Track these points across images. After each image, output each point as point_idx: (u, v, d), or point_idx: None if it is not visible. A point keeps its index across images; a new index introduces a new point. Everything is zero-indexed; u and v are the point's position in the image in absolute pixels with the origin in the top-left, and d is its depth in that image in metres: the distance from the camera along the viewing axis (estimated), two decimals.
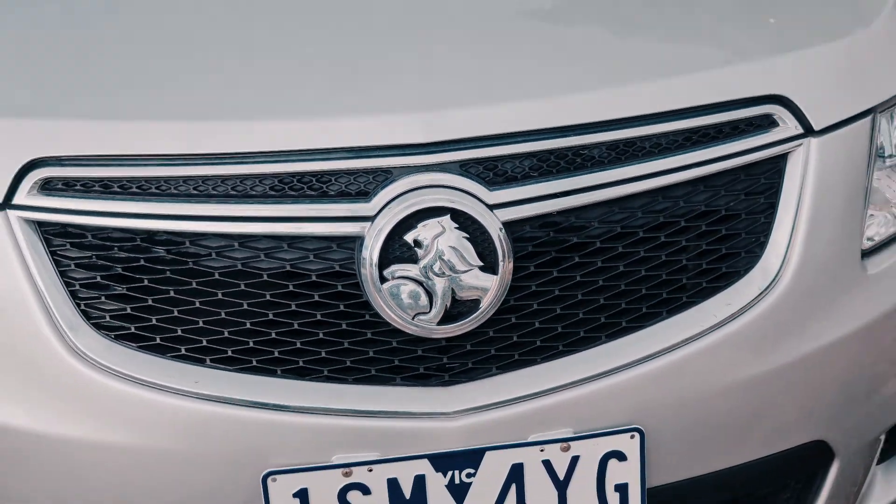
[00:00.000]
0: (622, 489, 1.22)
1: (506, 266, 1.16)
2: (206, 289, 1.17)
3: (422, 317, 1.16)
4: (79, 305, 1.18)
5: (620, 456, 1.21)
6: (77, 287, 1.18)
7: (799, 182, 1.26)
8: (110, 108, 1.23)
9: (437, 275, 1.15)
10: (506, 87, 1.22)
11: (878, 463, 1.49)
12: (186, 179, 1.17)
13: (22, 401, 1.19)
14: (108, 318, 1.18)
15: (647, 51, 1.33)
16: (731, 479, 1.29)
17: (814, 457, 1.33)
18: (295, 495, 1.17)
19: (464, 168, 1.17)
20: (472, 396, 1.19)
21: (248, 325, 1.18)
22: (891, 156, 1.39)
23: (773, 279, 1.24)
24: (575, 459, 1.20)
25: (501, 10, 1.42)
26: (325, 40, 1.31)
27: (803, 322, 1.26)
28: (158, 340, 1.18)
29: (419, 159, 1.16)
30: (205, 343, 1.18)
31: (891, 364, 1.34)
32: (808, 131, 1.26)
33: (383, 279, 1.15)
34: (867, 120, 1.30)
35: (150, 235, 1.17)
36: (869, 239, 1.33)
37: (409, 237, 1.14)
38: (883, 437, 1.41)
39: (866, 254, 1.32)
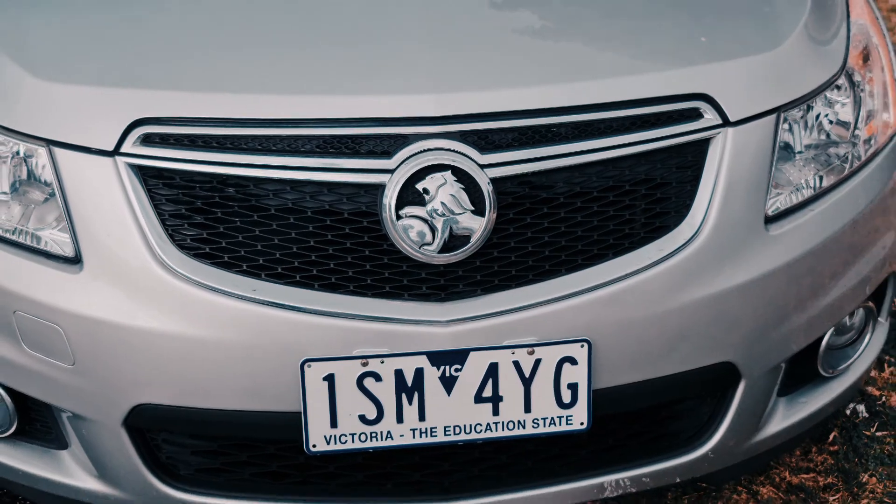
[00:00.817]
0: (573, 387, 1.60)
1: (491, 212, 1.54)
2: (263, 221, 1.55)
3: (426, 247, 1.54)
4: (167, 230, 1.56)
5: (572, 361, 1.58)
6: (166, 216, 1.56)
7: (717, 161, 1.64)
8: (196, 80, 1.61)
9: (439, 215, 1.53)
10: (495, 77, 1.61)
11: (781, 395, 1.86)
12: (253, 138, 1.55)
13: (121, 302, 1.56)
14: (188, 241, 1.56)
15: (607, 54, 1.72)
16: (658, 388, 1.66)
17: (724, 375, 1.70)
18: (324, 379, 1.55)
19: (463, 137, 1.55)
20: (462, 310, 1.56)
21: (294, 250, 1.55)
22: (800, 152, 1.78)
23: (695, 233, 1.62)
24: (538, 362, 1.58)
25: (494, 17, 1.81)
26: (361, 30, 1.70)
27: (717, 267, 1.63)
28: (226, 258, 1.56)
29: (429, 129, 1.55)
30: (261, 262, 1.55)
31: (788, 306, 1.71)
32: (726, 122, 1.64)
33: (398, 217, 1.53)
34: (773, 117, 1.68)
35: (223, 179, 1.55)
36: (774, 210, 1.71)
37: (419, 186, 1.52)
38: (783, 366, 1.79)
39: (770, 220, 1.69)
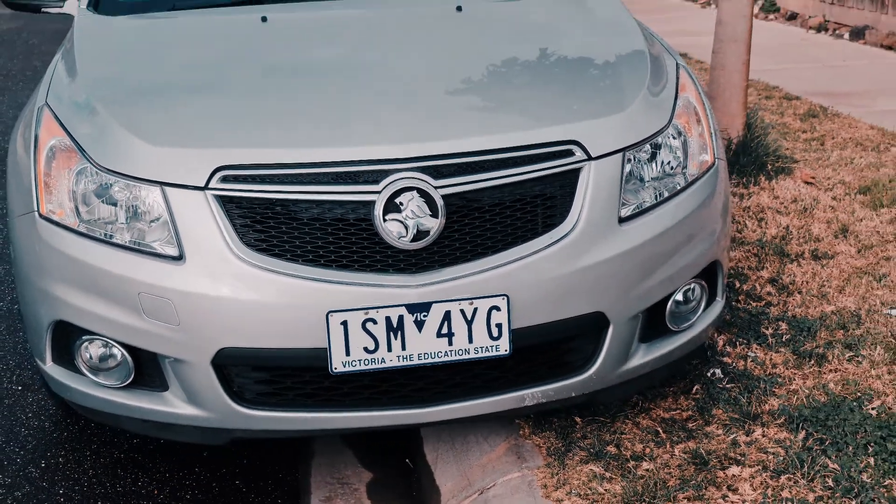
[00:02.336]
0: (499, 326, 2.51)
1: (442, 216, 2.47)
2: (300, 226, 2.47)
3: (402, 239, 2.46)
4: (238, 234, 2.48)
5: (497, 308, 2.50)
6: (238, 226, 2.48)
7: (585, 182, 2.59)
8: (253, 140, 2.56)
9: (410, 219, 2.46)
10: (443, 132, 2.56)
11: (642, 341, 2.79)
12: (291, 175, 2.48)
13: (210, 281, 2.47)
14: (252, 241, 2.48)
15: (515, 115, 2.71)
16: (554, 328, 2.58)
17: (597, 321, 2.62)
18: (341, 324, 2.45)
19: (423, 170, 2.49)
20: (426, 278, 2.48)
21: (320, 243, 2.47)
22: (643, 179, 2.73)
23: (572, 228, 2.56)
24: (476, 309, 2.49)
25: (444, 91, 2.78)
26: (360, 102, 2.67)
27: (587, 249, 2.57)
28: (276, 251, 2.48)
29: (402, 165, 2.49)
30: (299, 252, 2.47)
31: (637, 275, 2.65)
32: (589, 158, 2.61)
33: (384, 221, 2.46)
34: (620, 154, 2.64)
35: (273, 201, 2.47)
36: (625, 214, 2.66)
37: (396, 201, 2.46)
38: (640, 317, 2.71)
39: (622, 220, 2.64)
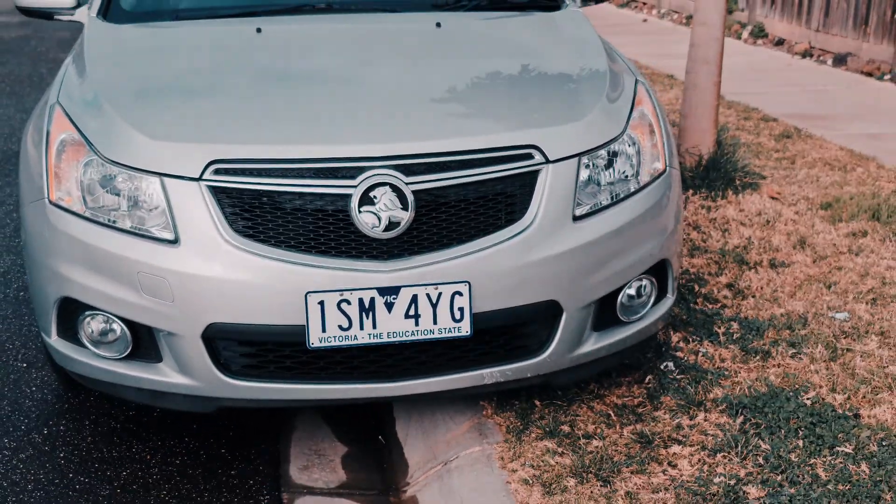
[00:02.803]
0: (461, 309, 2.78)
1: (412, 210, 2.74)
2: (283, 215, 2.75)
3: (375, 229, 2.74)
4: (228, 221, 2.75)
5: (460, 293, 2.77)
6: (228, 213, 2.75)
7: (543, 183, 2.87)
8: (243, 137, 2.83)
9: (383, 211, 2.73)
10: (416, 134, 2.84)
11: (595, 330, 3.06)
12: (277, 169, 2.75)
13: (202, 262, 2.74)
14: (241, 227, 2.75)
15: (482, 121, 2.99)
16: (512, 313, 2.85)
17: (551, 308, 2.90)
18: (318, 303, 2.72)
19: (395, 168, 2.77)
20: (397, 264, 2.75)
21: (301, 231, 2.75)
22: (600, 183, 3.02)
23: (530, 223, 2.84)
24: (440, 293, 2.77)
25: (417, 97, 3.07)
26: (341, 105, 2.96)
27: (543, 243, 2.84)
28: (262, 237, 2.75)
29: (377, 163, 2.76)
30: (282, 238, 2.75)
31: (589, 268, 2.92)
32: (547, 161, 2.88)
33: (360, 212, 2.73)
34: (576, 159, 2.92)
35: (260, 192, 2.75)
36: (579, 213, 2.93)
37: (371, 194, 2.73)
38: (593, 307, 2.98)
39: (576, 218, 2.91)
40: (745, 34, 11.31)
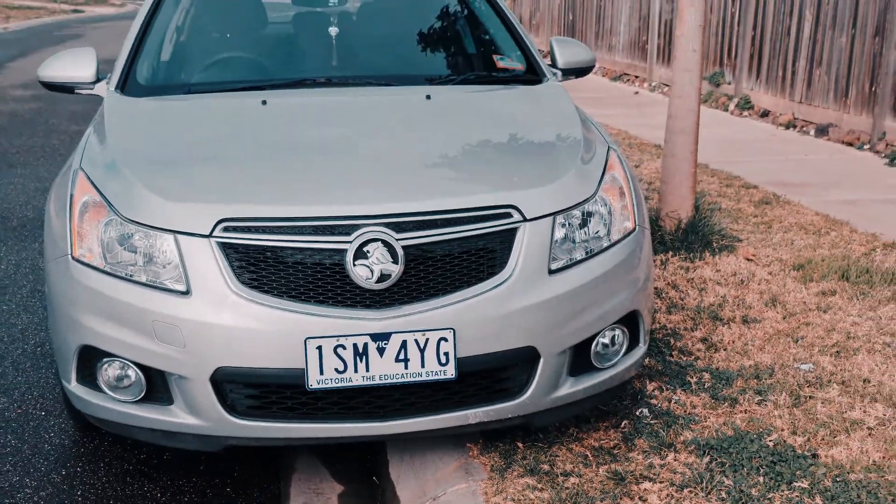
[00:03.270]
0: (447, 354, 3.06)
1: (401, 263, 3.04)
2: (285, 269, 3.04)
3: (368, 281, 3.03)
4: (235, 274, 3.04)
5: (445, 339, 3.05)
6: (235, 267, 3.04)
7: (521, 239, 3.17)
8: (249, 199, 3.14)
9: (375, 264, 3.03)
10: (405, 196, 3.14)
11: (570, 375, 3.33)
12: (279, 227, 3.05)
13: (212, 311, 3.03)
14: (247, 279, 3.04)
15: (465, 184, 3.28)
16: (493, 358, 3.12)
17: (530, 354, 3.17)
18: (316, 348, 3.00)
19: (387, 225, 3.07)
20: (388, 313, 3.04)
21: (301, 283, 3.04)
22: (574, 240, 3.31)
23: (509, 276, 3.13)
24: (427, 339, 3.05)
25: (407, 162, 3.38)
26: (337, 169, 3.26)
27: (521, 294, 3.13)
28: (266, 288, 3.04)
29: (370, 222, 3.06)
30: (284, 289, 3.03)
31: (563, 317, 3.20)
32: (525, 220, 3.18)
33: (354, 265, 3.02)
34: (550, 218, 3.22)
35: (264, 247, 3.05)
36: (554, 266, 3.22)
37: (364, 249, 3.03)
38: (568, 353, 3.26)
39: (552, 272, 3.21)
40: (732, 106, 11.70)
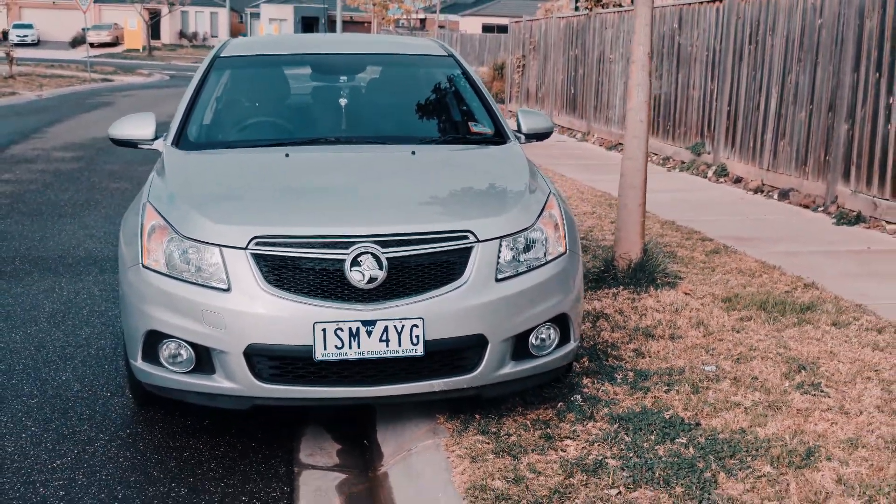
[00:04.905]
0: (417, 337, 4.16)
1: (385, 271, 4.17)
2: (300, 274, 4.17)
3: (360, 282, 4.15)
4: (264, 276, 4.18)
5: (416, 326, 4.15)
6: (264, 271, 4.18)
7: (475, 255, 4.29)
8: (277, 220, 4.28)
9: (366, 270, 4.16)
10: (389, 221, 4.28)
11: (513, 359, 4.43)
12: (297, 243, 4.19)
13: (246, 303, 4.14)
14: (273, 280, 4.18)
15: (433, 213, 4.43)
16: (452, 342, 4.22)
17: (480, 340, 4.27)
18: (321, 330, 4.10)
19: (375, 243, 4.20)
20: (374, 305, 4.14)
21: (311, 283, 4.17)
22: (517, 258, 4.44)
23: (465, 281, 4.25)
24: (403, 326, 4.15)
25: (389, 194, 4.53)
26: (341, 199, 4.44)
27: (474, 295, 4.24)
28: (286, 286, 4.17)
29: (363, 240, 4.19)
30: (299, 288, 4.16)
31: (506, 313, 4.31)
32: (478, 241, 4.32)
33: (351, 271, 4.16)
34: (498, 240, 4.35)
35: (285, 257, 4.18)
36: (500, 277, 4.35)
37: (358, 259, 4.16)
38: (511, 342, 4.36)
39: (498, 280, 4.33)
40: (710, 173, 12.87)
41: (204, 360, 4.28)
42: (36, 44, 76.55)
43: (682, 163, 13.93)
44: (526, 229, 4.49)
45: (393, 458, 4.41)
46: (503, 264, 4.38)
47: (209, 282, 4.23)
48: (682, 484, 3.87)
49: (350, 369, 4.21)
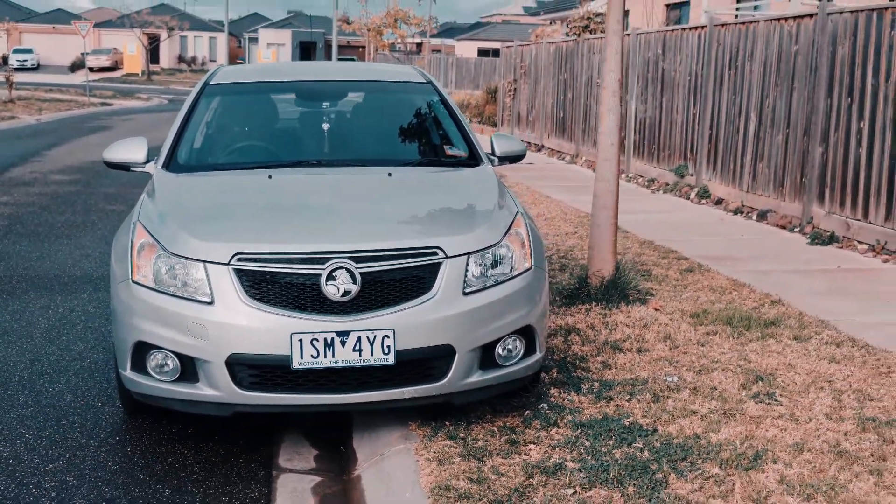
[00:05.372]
0: (389, 346, 4.43)
1: (359, 285, 4.45)
2: (278, 288, 4.45)
3: (335, 295, 4.42)
4: (245, 290, 4.45)
5: (388, 336, 4.43)
6: (245, 285, 4.45)
7: (444, 270, 4.57)
8: (255, 238, 4.57)
9: (340, 284, 4.43)
10: (361, 238, 4.56)
11: (480, 368, 4.71)
12: (275, 259, 4.48)
13: (228, 315, 4.43)
14: (253, 293, 4.45)
15: (405, 231, 4.71)
16: (421, 352, 4.49)
17: (447, 350, 4.55)
18: (298, 340, 4.37)
19: (349, 258, 4.48)
20: (348, 317, 4.41)
21: (289, 296, 4.44)
22: (484, 273, 4.72)
23: (435, 294, 4.53)
24: (375, 336, 4.42)
25: (363, 215, 4.82)
26: (318, 218, 4.72)
27: (443, 307, 4.51)
28: (265, 300, 4.44)
29: (338, 255, 4.47)
30: (277, 301, 4.44)
31: (473, 325, 4.58)
32: (447, 257, 4.60)
33: (326, 285, 4.43)
34: (465, 256, 4.63)
35: (264, 273, 4.46)
36: (467, 290, 4.63)
37: (333, 273, 4.44)
38: (478, 352, 4.63)
39: (465, 294, 4.60)
40: (693, 195, 13.18)
41: (188, 369, 4.55)
42: (36, 68, 77.17)
43: (667, 184, 14.23)
44: (493, 246, 4.77)
45: (367, 462, 4.68)
46: (471, 279, 4.65)
47: (194, 296, 4.50)
48: (634, 484, 4.13)
49: (325, 377, 4.48)
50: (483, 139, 9.78)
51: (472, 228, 4.81)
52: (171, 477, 4.53)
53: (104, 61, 77.57)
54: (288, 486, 4.50)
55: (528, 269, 4.90)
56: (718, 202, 12.62)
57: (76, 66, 76.69)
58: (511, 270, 4.82)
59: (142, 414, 5.18)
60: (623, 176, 15.97)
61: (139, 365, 4.66)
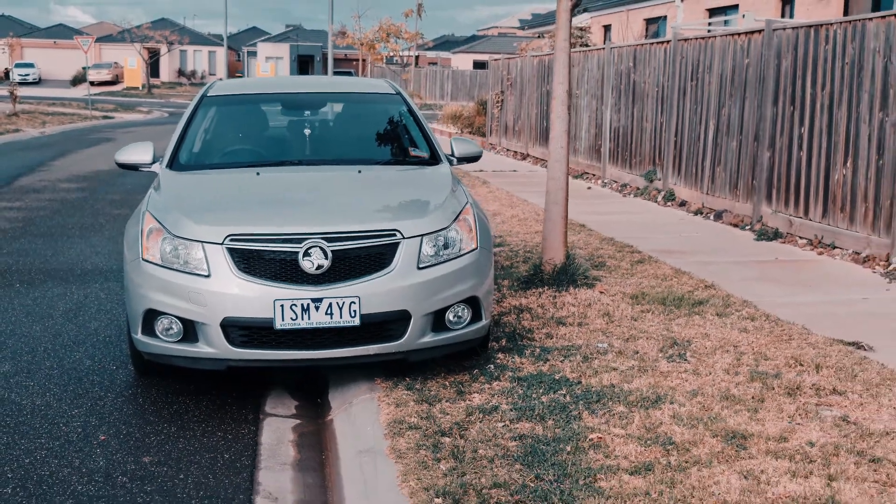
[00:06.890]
0: (355, 311, 5.37)
1: (330, 259, 5.40)
2: (264, 264, 5.40)
3: (310, 269, 5.38)
4: (236, 264, 5.41)
5: (354, 303, 5.37)
6: (237, 260, 5.41)
7: (401, 249, 5.51)
8: (247, 220, 5.52)
9: (315, 260, 5.38)
10: (334, 222, 5.52)
11: (433, 331, 5.65)
12: (263, 239, 5.43)
13: (222, 285, 5.37)
14: (243, 267, 5.40)
15: (370, 215, 5.66)
16: (383, 316, 5.45)
17: (405, 314, 5.49)
18: (280, 305, 5.31)
19: (322, 238, 5.43)
20: (322, 287, 5.36)
21: (273, 270, 5.40)
22: (437, 252, 5.67)
23: (393, 268, 5.48)
24: (343, 301, 5.36)
25: (337, 200, 5.78)
26: (298, 204, 5.68)
27: (400, 278, 5.45)
28: (252, 272, 5.40)
29: (313, 237, 5.43)
30: (263, 273, 5.39)
31: (426, 294, 5.52)
32: (404, 238, 5.54)
33: (303, 261, 5.38)
34: (419, 238, 5.58)
35: (252, 250, 5.42)
36: (421, 266, 5.57)
37: (308, 251, 5.39)
38: (431, 317, 5.57)
39: (419, 268, 5.55)
40: (660, 198, 14.14)
41: (190, 331, 5.49)
42: (37, 82, 78.30)
43: (638, 189, 15.19)
44: (443, 229, 5.73)
45: (339, 410, 5.63)
46: (424, 256, 5.60)
47: (194, 270, 5.45)
48: (553, 418, 5.08)
49: (303, 336, 5.42)
50: None
51: (426, 214, 5.77)
52: (176, 419, 5.48)
53: (105, 75, 78.70)
54: (272, 426, 5.45)
55: (474, 249, 5.85)
56: (682, 204, 13.57)
57: (77, 80, 77.85)
58: (459, 250, 5.77)
59: (151, 375, 6.12)
60: (599, 182, 16.94)
61: (149, 329, 5.60)
